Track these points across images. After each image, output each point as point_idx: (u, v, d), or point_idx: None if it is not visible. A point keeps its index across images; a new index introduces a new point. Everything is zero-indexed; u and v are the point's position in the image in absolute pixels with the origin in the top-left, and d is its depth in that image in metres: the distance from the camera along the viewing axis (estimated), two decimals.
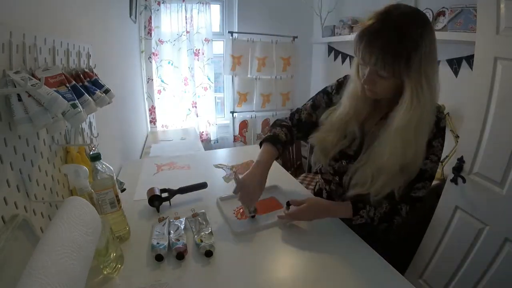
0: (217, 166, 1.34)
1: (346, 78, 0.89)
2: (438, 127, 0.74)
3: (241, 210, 0.94)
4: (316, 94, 0.97)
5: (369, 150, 0.77)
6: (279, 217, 0.86)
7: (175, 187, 0.99)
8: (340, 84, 0.90)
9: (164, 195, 0.96)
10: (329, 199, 0.94)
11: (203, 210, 0.89)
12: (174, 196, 0.98)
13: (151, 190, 0.96)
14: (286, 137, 0.92)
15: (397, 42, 0.62)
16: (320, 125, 0.88)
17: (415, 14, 0.65)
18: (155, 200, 0.93)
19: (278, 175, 1.24)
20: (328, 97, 0.94)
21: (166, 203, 0.96)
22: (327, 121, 0.86)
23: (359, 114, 0.80)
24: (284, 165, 2.20)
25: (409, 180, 0.74)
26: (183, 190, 1.00)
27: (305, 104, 0.99)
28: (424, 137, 0.70)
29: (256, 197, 0.85)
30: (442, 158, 1.69)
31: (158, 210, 0.93)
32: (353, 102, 0.79)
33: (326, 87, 0.96)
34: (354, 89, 0.79)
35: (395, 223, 0.80)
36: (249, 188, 0.83)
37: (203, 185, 1.04)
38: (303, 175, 2.32)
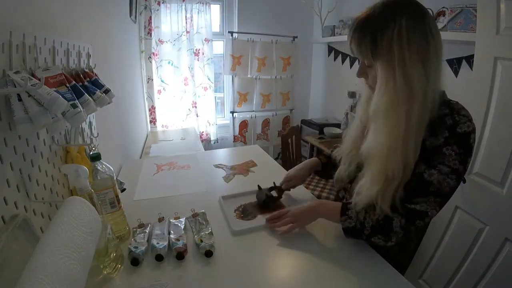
0: (217, 166, 1.34)
1: None
2: (452, 132, 0.61)
3: (241, 209, 0.94)
4: None
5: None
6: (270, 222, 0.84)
7: (175, 187, 0.99)
8: None
9: (274, 194, 0.98)
10: None
11: (203, 210, 0.89)
12: (176, 196, 0.98)
13: (261, 191, 0.98)
14: (332, 156, 0.95)
15: (364, 27, 0.62)
16: (344, 140, 0.86)
17: (399, 1, 0.62)
18: (270, 201, 0.95)
19: (278, 175, 1.24)
20: None
21: (175, 201, 0.97)
22: (347, 135, 0.85)
23: (362, 122, 0.78)
24: (284, 165, 2.20)
25: (401, 184, 0.64)
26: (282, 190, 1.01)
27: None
28: (409, 123, 0.62)
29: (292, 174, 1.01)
30: None
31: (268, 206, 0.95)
32: (361, 107, 0.78)
33: None
34: (363, 94, 0.78)
35: (392, 239, 0.66)
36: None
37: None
38: None
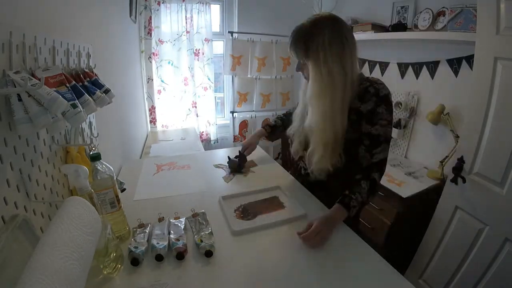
0: (217, 166, 1.34)
1: None
2: (378, 96, 0.86)
3: (241, 209, 0.94)
4: None
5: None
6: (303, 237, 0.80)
7: (175, 187, 0.99)
8: None
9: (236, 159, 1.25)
10: (306, 181, 1.13)
11: (203, 210, 0.89)
12: (176, 196, 1.00)
13: (230, 160, 1.26)
14: (276, 123, 1.27)
15: (298, 36, 0.88)
16: (294, 120, 1.09)
17: (319, 17, 0.87)
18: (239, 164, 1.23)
19: (278, 175, 1.24)
20: None
21: (175, 200, 0.98)
22: (295, 115, 1.07)
23: (305, 105, 1.00)
24: (284, 165, 2.20)
25: (337, 147, 0.89)
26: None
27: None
28: (334, 104, 0.86)
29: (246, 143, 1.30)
30: (442, 158, 1.70)
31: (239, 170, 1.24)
32: (302, 93, 1.01)
33: None
34: (303, 85, 1.00)
35: (377, 190, 0.90)
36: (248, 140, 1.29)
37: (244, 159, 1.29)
38: None
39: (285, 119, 1.28)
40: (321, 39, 0.83)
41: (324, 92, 0.86)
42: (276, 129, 1.30)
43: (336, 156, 0.90)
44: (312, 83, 0.88)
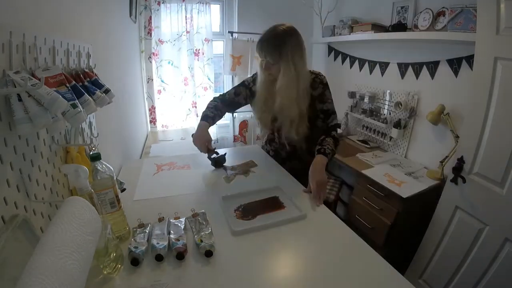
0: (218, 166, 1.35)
1: (255, 74, 1.32)
2: (323, 83, 1.23)
3: (241, 209, 0.94)
4: (237, 86, 1.40)
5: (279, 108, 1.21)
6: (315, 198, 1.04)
7: (176, 187, 0.99)
8: (254, 79, 1.33)
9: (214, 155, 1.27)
10: (276, 155, 1.42)
11: (203, 210, 0.89)
12: (176, 196, 0.99)
13: (209, 155, 1.27)
14: (213, 113, 1.33)
15: (272, 43, 1.11)
16: (253, 109, 1.39)
17: (286, 28, 1.12)
18: (216, 159, 1.26)
19: (278, 175, 1.24)
20: (247, 88, 1.36)
21: (174, 200, 0.97)
22: (256, 105, 1.32)
23: (268, 94, 1.22)
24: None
25: (302, 122, 1.20)
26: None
27: (228, 91, 1.41)
28: (299, 91, 1.15)
29: (204, 140, 1.28)
30: (442, 158, 1.70)
31: (222, 164, 1.28)
32: (263, 87, 1.24)
33: (244, 81, 1.39)
34: (261, 79, 1.23)
35: (338, 144, 1.23)
36: (197, 135, 1.29)
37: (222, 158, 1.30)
38: None
39: (217, 108, 1.37)
40: (290, 45, 1.10)
41: (292, 83, 1.14)
42: (215, 119, 1.37)
43: (303, 127, 1.21)
44: (282, 77, 1.14)
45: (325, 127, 1.24)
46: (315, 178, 1.04)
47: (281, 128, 1.27)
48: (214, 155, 1.28)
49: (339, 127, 1.27)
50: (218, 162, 1.29)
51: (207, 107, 1.36)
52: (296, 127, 1.21)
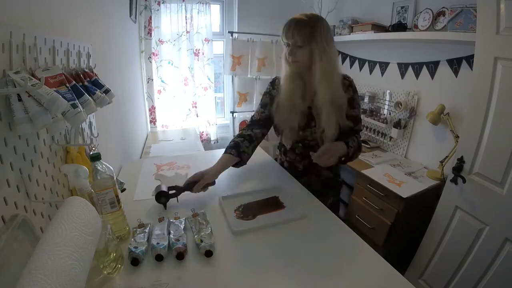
0: None
1: (276, 78, 1.21)
2: (353, 87, 1.12)
3: (241, 209, 0.94)
4: (261, 99, 1.24)
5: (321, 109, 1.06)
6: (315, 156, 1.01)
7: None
8: (273, 82, 1.22)
9: (172, 192, 0.96)
10: (292, 167, 1.25)
11: (203, 210, 0.89)
12: (182, 193, 0.98)
13: (158, 186, 0.96)
14: (246, 145, 1.14)
15: (303, 22, 1.00)
16: (274, 114, 1.16)
17: (315, 14, 1.05)
18: (162, 196, 0.93)
19: (278, 175, 1.24)
20: (269, 95, 1.21)
21: (173, 201, 0.96)
22: (279, 106, 1.13)
23: (296, 89, 1.09)
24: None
25: (342, 115, 1.07)
26: (192, 186, 0.98)
27: (255, 110, 1.25)
28: (338, 84, 1.05)
29: (204, 182, 1.00)
30: (442, 158, 1.70)
31: (165, 207, 0.94)
32: (288, 81, 1.09)
33: (265, 90, 1.24)
34: (285, 72, 1.10)
35: (361, 147, 1.15)
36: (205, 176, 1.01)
37: (211, 183, 1.03)
38: None
39: (248, 135, 1.17)
40: (321, 26, 1.00)
41: (332, 70, 1.03)
42: (239, 147, 1.12)
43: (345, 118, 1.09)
44: (320, 62, 1.00)
45: (352, 131, 1.13)
46: (325, 146, 1.01)
47: (326, 127, 1.06)
48: (174, 192, 0.97)
49: (361, 129, 1.18)
50: (159, 197, 0.95)
51: (239, 135, 1.18)
52: (342, 118, 1.07)
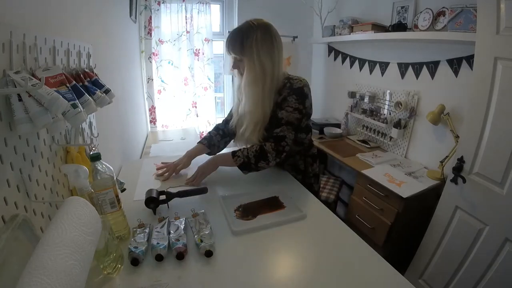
0: None
1: None
2: (291, 88, 1.06)
3: (241, 209, 0.94)
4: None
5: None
6: (187, 183, 1.10)
7: (175, 187, 0.99)
8: None
9: (162, 197, 0.94)
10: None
11: (203, 210, 0.89)
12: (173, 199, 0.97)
13: (149, 191, 0.93)
14: (218, 140, 1.33)
15: (235, 36, 1.05)
16: (233, 115, 1.25)
17: (254, 22, 1.04)
18: (151, 202, 0.91)
19: (278, 175, 1.24)
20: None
21: (164, 206, 0.94)
22: (233, 111, 1.26)
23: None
24: None
25: (266, 127, 1.08)
26: (182, 194, 0.98)
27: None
28: (264, 91, 1.05)
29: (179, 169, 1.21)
30: (442, 158, 1.70)
31: (154, 213, 0.91)
32: (237, 91, 1.16)
33: None
34: (236, 84, 1.16)
35: (270, 160, 1.04)
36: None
37: (203, 190, 1.01)
38: None
39: (222, 129, 1.35)
40: (254, 37, 1.01)
41: (256, 80, 1.04)
42: (211, 139, 1.32)
43: (262, 132, 1.10)
44: (246, 74, 1.04)
45: (267, 137, 1.08)
46: (202, 175, 1.11)
47: (244, 131, 1.13)
48: (164, 198, 0.95)
49: (285, 140, 1.04)
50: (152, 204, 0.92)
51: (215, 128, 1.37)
52: (258, 132, 1.09)
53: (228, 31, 2.66)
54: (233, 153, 1.07)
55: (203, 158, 1.24)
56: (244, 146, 1.15)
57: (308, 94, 1.09)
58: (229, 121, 1.29)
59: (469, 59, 1.57)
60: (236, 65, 1.09)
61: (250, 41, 1.01)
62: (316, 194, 1.28)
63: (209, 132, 1.36)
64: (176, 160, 1.25)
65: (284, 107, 1.06)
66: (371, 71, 2.35)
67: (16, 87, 0.47)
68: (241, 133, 1.15)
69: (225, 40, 1.12)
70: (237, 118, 1.20)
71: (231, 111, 1.33)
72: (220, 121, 1.47)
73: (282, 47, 1.09)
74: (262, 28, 1.03)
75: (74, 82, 0.68)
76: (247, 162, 1.04)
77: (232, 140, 1.35)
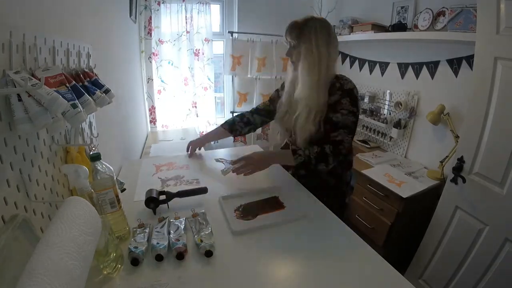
0: (217, 160, 1.36)
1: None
2: (343, 90, 1.04)
3: (241, 209, 0.94)
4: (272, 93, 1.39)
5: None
6: (234, 171, 1.08)
7: (175, 188, 0.98)
8: (283, 83, 1.27)
9: (162, 197, 0.94)
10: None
11: (203, 210, 0.89)
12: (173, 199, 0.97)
13: (149, 191, 0.93)
14: (241, 126, 1.34)
15: (294, 23, 1.07)
16: (277, 112, 1.25)
17: (314, 16, 1.09)
18: (151, 202, 0.90)
19: (278, 175, 1.24)
20: (277, 92, 1.34)
21: (164, 206, 0.94)
22: (280, 106, 1.23)
23: (294, 91, 1.13)
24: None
25: (317, 116, 1.05)
26: (182, 194, 0.98)
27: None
28: (320, 79, 1.04)
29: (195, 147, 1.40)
30: (442, 158, 1.70)
31: (154, 213, 0.91)
32: (289, 84, 1.16)
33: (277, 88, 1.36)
34: (289, 77, 1.17)
35: (330, 163, 1.02)
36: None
37: (203, 190, 1.00)
38: None
39: (247, 118, 1.36)
40: (313, 26, 1.04)
41: (314, 67, 1.04)
42: (234, 125, 1.35)
43: (316, 123, 1.05)
44: (303, 60, 1.05)
45: (326, 140, 1.03)
46: (248, 154, 1.08)
47: (298, 118, 1.09)
48: (164, 198, 0.95)
49: (342, 144, 1.00)
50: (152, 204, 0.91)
51: (240, 115, 1.37)
52: (313, 120, 1.05)
53: (228, 31, 2.71)
54: (294, 152, 1.04)
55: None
56: (282, 136, 1.22)
57: (358, 95, 1.08)
58: (256, 112, 1.35)
59: (469, 59, 1.57)
60: (290, 52, 1.10)
61: (309, 29, 1.03)
62: (344, 207, 1.26)
63: (233, 118, 1.38)
64: (194, 140, 1.38)
65: (338, 110, 1.02)
66: (371, 71, 2.35)
67: (15, 87, 0.47)
68: (294, 120, 1.11)
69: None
70: (285, 114, 1.20)
71: (258, 106, 1.39)
72: (220, 121, 1.48)
73: (338, 45, 1.11)
74: (321, 21, 1.07)
75: (73, 82, 0.68)
76: (308, 162, 1.02)
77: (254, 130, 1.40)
